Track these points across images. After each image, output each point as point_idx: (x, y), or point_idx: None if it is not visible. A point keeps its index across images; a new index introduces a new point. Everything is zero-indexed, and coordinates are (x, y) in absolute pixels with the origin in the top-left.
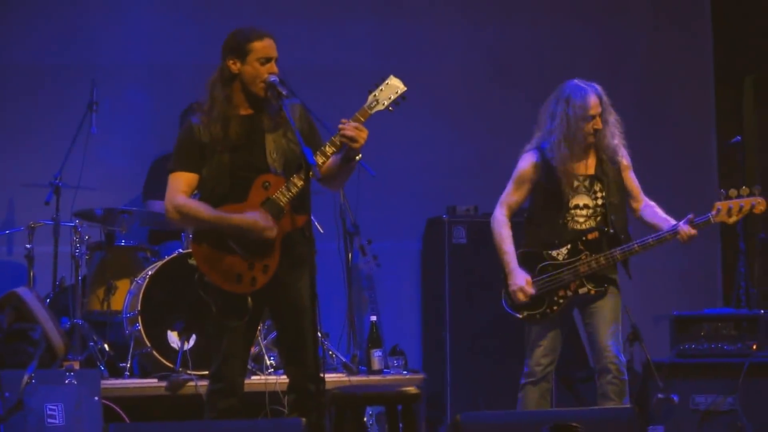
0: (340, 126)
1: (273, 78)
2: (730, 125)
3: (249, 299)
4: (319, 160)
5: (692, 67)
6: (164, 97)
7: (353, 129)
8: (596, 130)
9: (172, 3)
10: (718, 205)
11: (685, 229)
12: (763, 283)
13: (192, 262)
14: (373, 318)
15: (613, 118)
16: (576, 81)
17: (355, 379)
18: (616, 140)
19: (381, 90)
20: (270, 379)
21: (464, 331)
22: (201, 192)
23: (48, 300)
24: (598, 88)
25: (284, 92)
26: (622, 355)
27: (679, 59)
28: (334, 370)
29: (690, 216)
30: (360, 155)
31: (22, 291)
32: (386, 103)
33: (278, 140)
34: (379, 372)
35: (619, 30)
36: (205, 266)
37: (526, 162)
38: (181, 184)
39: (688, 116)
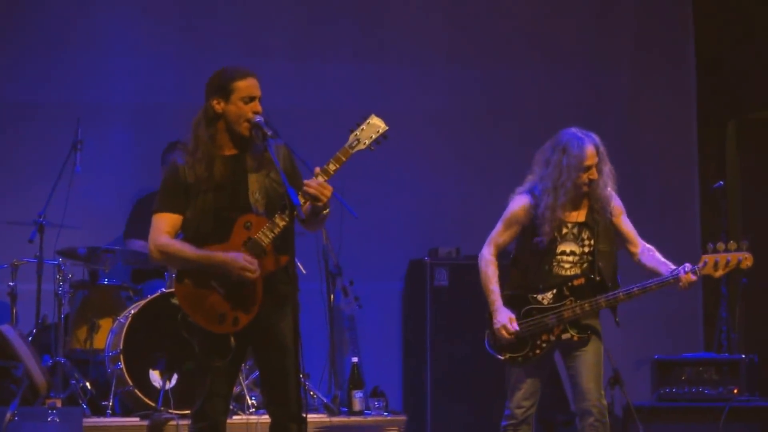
0: (305, 182)
1: (258, 118)
2: (712, 169)
3: (232, 339)
4: (302, 200)
5: (675, 111)
6: (148, 136)
7: (316, 188)
8: (591, 180)
9: (156, 43)
10: (705, 258)
11: (683, 276)
12: (744, 328)
13: (175, 301)
14: (355, 359)
15: (608, 168)
16: (574, 130)
17: (336, 420)
18: (609, 189)
19: (362, 129)
20: (251, 418)
21: (445, 372)
22: (184, 232)
23: (30, 338)
24: (596, 138)
25: (269, 132)
26: (604, 394)
27: (662, 103)
28: (315, 410)
29: (690, 267)
30: (327, 210)
31: (4, 328)
32: (368, 143)
33: (261, 180)
34: (360, 413)
35: (601, 74)
36: (188, 306)
37: (518, 204)
38: (164, 225)
39: (670, 160)
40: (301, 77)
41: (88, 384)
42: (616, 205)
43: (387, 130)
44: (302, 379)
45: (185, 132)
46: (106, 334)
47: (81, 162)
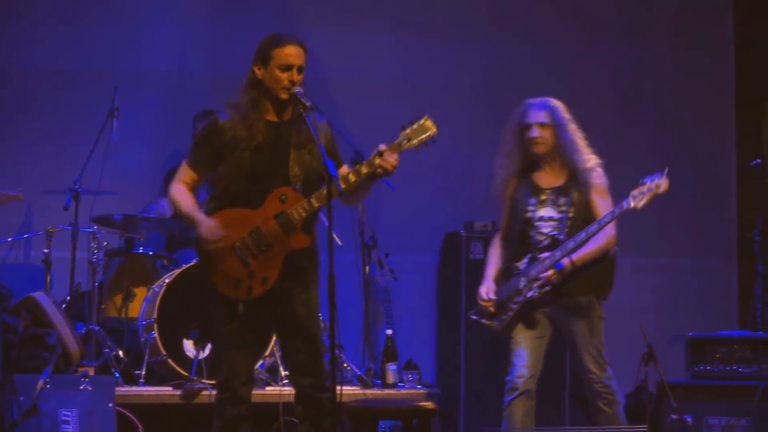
0: (386, 156)
1: (298, 90)
2: (750, 147)
3: (240, 305)
4: (352, 178)
5: (713, 88)
6: (184, 105)
7: (396, 161)
8: (534, 140)
9: (194, 13)
10: (633, 191)
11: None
12: None
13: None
14: (389, 331)
15: (573, 135)
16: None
17: (369, 392)
18: (580, 156)
19: (414, 129)
20: (284, 390)
21: (479, 346)
22: (215, 188)
23: (64, 305)
24: (552, 102)
25: (308, 104)
26: (607, 370)
27: (701, 81)
28: (349, 382)
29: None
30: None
31: (38, 295)
32: (416, 143)
33: (302, 156)
34: (394, 386)
35: (640, 50)
36: (208, 264)
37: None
38: (185, 175)
39: (708, 138)
40: (339, 48)
41: (121, 352)
42: (597, 182)
43: (436, 134)
44: (337, 351)
45: (220, 101)
46: (140, 303)
47: (117, 130)
